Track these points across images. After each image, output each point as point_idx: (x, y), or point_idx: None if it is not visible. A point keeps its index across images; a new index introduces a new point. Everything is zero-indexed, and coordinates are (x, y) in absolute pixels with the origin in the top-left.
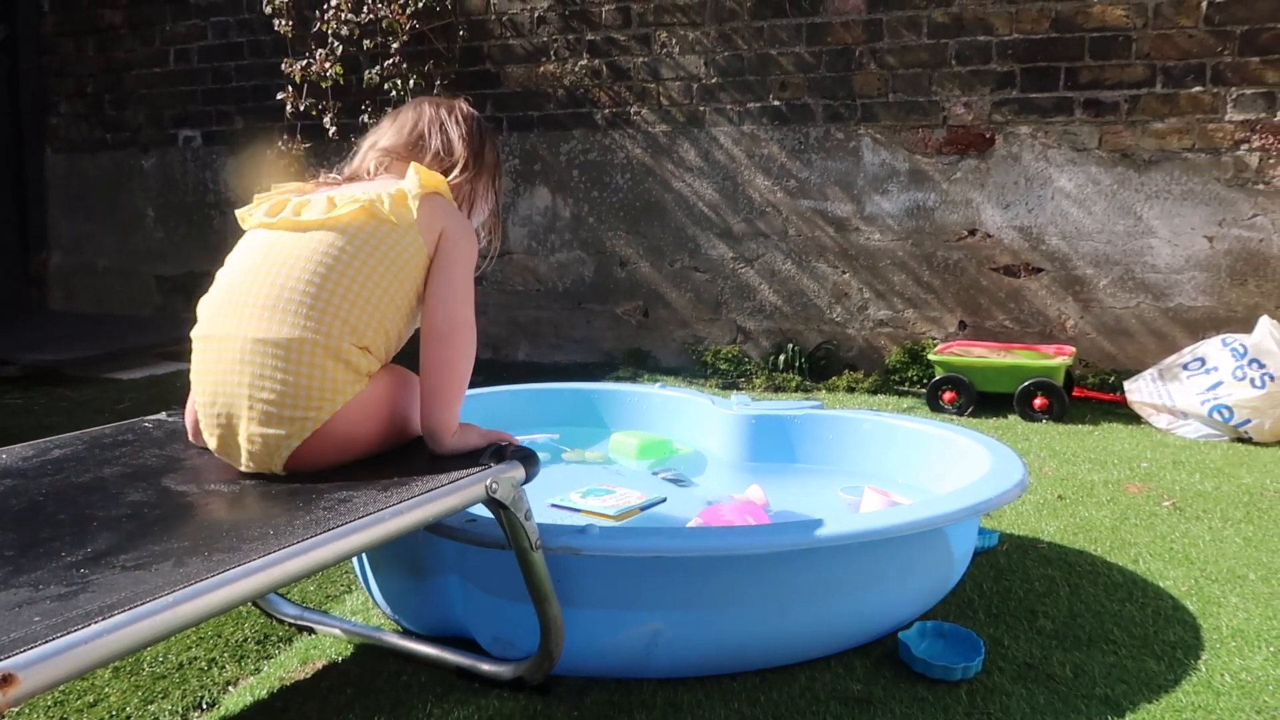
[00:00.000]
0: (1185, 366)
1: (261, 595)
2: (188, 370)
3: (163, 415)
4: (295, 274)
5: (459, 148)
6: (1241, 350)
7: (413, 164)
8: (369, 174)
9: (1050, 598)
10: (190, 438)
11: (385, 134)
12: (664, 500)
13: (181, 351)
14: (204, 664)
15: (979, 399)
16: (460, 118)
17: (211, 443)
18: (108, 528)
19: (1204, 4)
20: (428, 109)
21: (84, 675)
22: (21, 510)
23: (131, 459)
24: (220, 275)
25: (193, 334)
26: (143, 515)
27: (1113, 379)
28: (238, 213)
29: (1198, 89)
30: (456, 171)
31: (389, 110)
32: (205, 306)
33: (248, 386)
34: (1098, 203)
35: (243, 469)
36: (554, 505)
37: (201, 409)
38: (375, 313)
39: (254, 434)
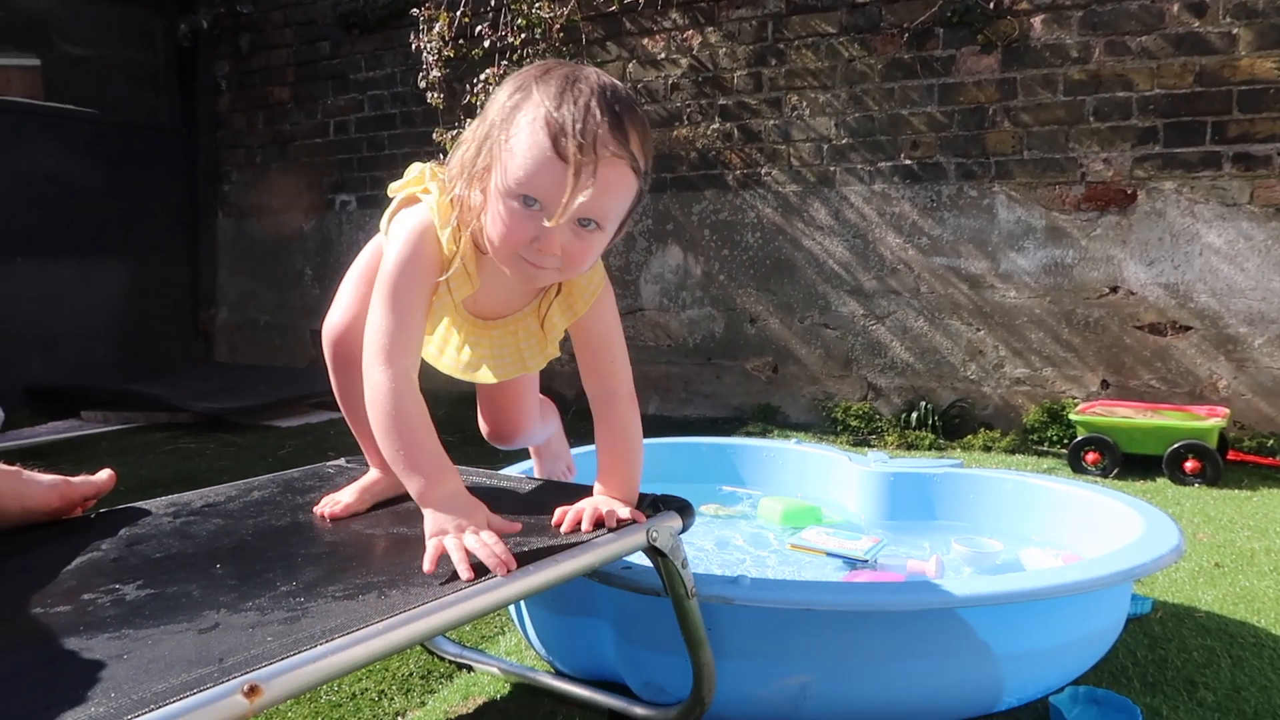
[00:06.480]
0: None
1: (454, 627)
2: (338, 419)
3: (342, 461)
4: None
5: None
6: None
7: None
8: None
9: (1210, 669)
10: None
11: None
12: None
13: (330, 402)
14: (374, 695)
15: (1124, 461)
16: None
17: None
18: (311, 563)
19: None
20: None
21: (308, 690)
22: (234, 548)
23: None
24: None
25: None
26: (339, 553)
27: (1271, 443)
28: None
29: None
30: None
31: None
32: None
33: None
34: (1250, 259)
35: None
36: (794, 545)
37: None
38: None
39: None
